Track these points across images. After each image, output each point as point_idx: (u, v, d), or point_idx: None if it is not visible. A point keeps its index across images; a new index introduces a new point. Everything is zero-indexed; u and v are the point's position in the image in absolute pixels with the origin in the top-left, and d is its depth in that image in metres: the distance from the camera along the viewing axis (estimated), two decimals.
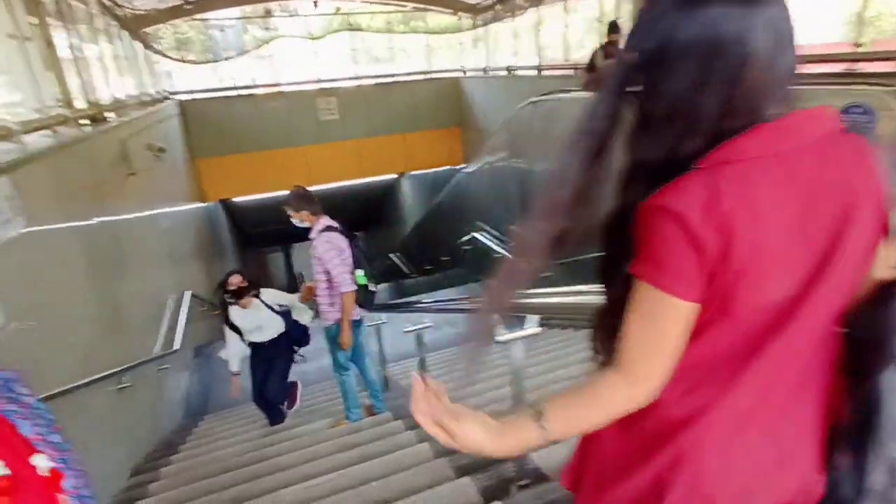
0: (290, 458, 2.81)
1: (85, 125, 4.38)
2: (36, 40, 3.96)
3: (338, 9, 11.34)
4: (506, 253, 7.27)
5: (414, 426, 2.88)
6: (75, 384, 2.50)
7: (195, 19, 10.22)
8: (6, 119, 2.80)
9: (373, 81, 11.98)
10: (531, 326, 1.56)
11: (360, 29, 11.81)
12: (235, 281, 3.35)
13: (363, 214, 18.11)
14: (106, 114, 5.11)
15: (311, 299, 3.35)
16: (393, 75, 12.26)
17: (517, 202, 6.89)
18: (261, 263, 17.95)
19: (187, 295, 5.67)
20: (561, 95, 5.76)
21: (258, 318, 3.44)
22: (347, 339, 3.11)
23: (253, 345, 3.51)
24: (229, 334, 3.44)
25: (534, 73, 9.86)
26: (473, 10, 11.83)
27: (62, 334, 2.70)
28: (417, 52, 12.94)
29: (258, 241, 17.28)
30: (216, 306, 3.62)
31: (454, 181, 9.27)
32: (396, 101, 12.02)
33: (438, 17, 12.69)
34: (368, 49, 13.09)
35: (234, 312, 3.40)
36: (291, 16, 11.40)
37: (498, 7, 10.69)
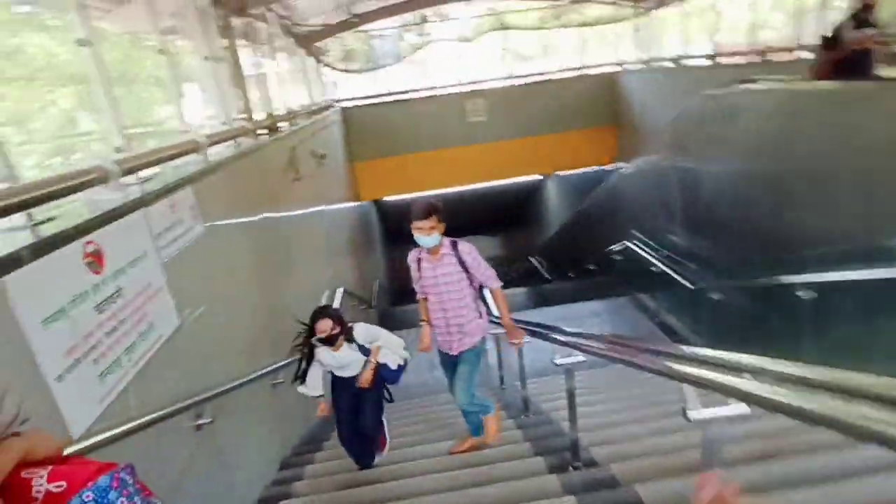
0: (411, 484, 2.70)
1: (261, 135, 4.84)
2: (225, 60, 4.44)
3: (491, 9, 11.28)
4: (663, 266, 6.52)
5: (558, 467, 2.58)
6: (240, 381, 2.68)
7: (360, 31, 10.94)
8: (197, 134, 3.10)
9: (522, 81, 11.73)
10: (736, 405, 1.18)
11: (511, 27, 11.63)
12: (324, 328, 2.82)
13: (503, 215, 18.04)
14: (279, 124, 5.62)
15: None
16: (543, 73, 11.87)
17: (681, 209, 6.11)
18: (404, 258, 18.83)
19: (340, 291, 6.02)
20: (748, 86, 4.90)
21: (349, 358, 3.00)
22: (517, 333, 3.02)
23: (335, 377, 3.10)
24: (312, 370, 3.02)
25: (706, 62, 8.75)
26: None
27: (230, 332, 2.93)
28: (568, 48, 12.36)
29: (402, 238, 18.20)
30: (301, 349, 2.96)
31: (607, 183, 8.61)
32: (546, 101, 11.61)
33: (593, 9, 11.95)
34: (518, 48, 12.86)
35: (322, 353, 2.96)
36: (444, 20, 11.64)
37: None
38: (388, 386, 3.18)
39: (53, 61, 4.55)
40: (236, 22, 5.05)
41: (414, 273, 3.02)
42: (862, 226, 3.56)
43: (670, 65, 9.86)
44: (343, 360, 2.97)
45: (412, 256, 3.01)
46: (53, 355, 1.46)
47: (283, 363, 3.47)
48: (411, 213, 2.79)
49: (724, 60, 8.30)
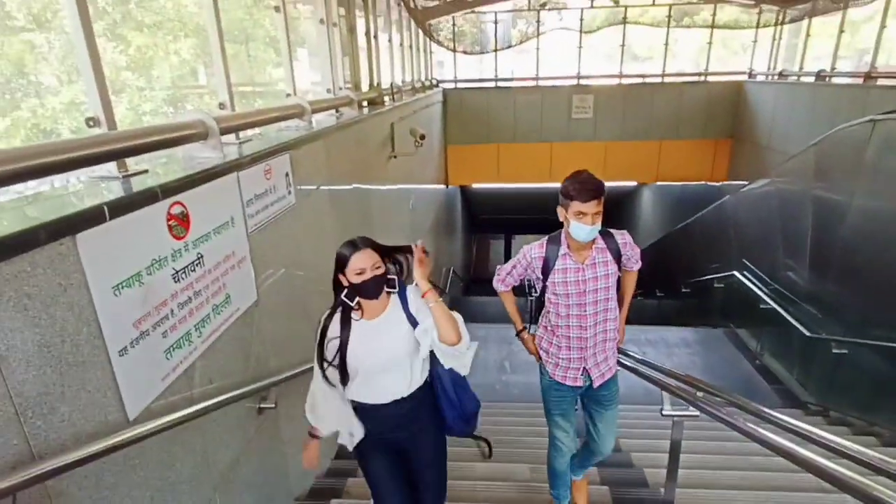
0: None
1: (364, 107, 4.70)
2: (340, 27, 4.32)
3: (616, 2, 10.53)
4: (775, 304, 5.74)
5: None
6: (309, 365, 2.52)
7: (473, 12, 10.63)
8: (303, 99, 2.97)
9: (635, 81, 10.92)
10: None
11: (634, 23, 10.80)
12: (363, 265, 1.67)
13: None
14: (385, 98, 5.47)
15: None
16: (661, 75, 10.96)
17: (811, 245, 5.32)
18: (483, 247, 18.68)
19: None
20: None
21: (389, 340, 1.76)
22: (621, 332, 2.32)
23: (366, 412, 1.84)
24: (317, 375, 1.82)
25: (858, 81, 7.61)
26: (783, 0, 9.71)
27: (306, 310, 2.79)
28: (688, 51, 11.31)
29: (486, 227, 18.00)
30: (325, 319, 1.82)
31: (720, 202, 7.79)
32: (658, 104, 10.74)
33: (726, 11, 10.81)
34: (633, 46, 11.95)
35: (339, 327, 1.76)
36: (562, 9, 11.04)
37: None
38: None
39: (181, 12, 4.68)
40: None
41: (532, 273, 2.21)
42: None
43: (811, 79, 8.71)
44: (380, 347, 1.74)
45: (534, 252, 2.17)
46: (120, 326, 1.32)
47: None
48: (569, 191, 1.98)
49: (883, 82, 7.16)
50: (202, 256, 1.71)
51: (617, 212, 17.19)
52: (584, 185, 1.98)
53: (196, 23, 4.65)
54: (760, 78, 10.46)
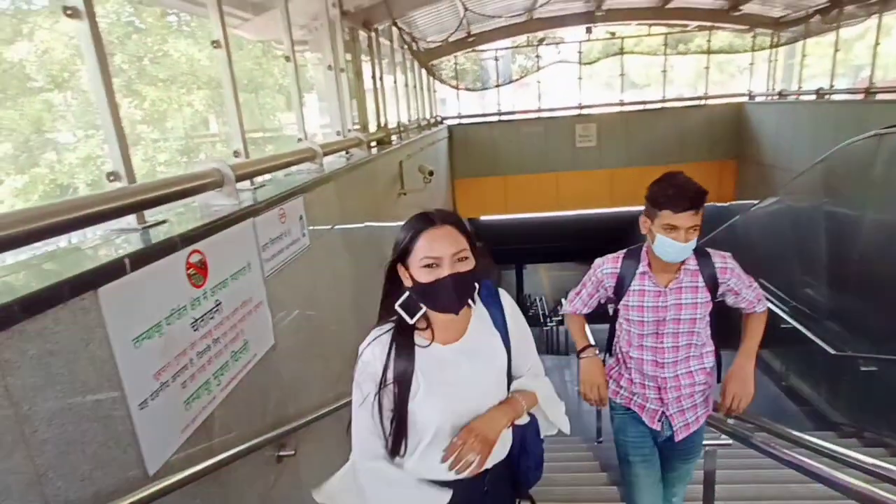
0: None
1: (373, 147, 4.78)
2: (347, 72, 4.44)
3: (613, 34, 10.79)
4: (797, 323, 5.62)
5: None
6: (329, 408, 2.48)
7: (474, 50, 10.92)
8: (313, 143, 3.03)
9: (637, 108, 11.07)
10: None
11: (630, 52, 11.03)
12: (447, 250, 1.13)
13: (600, 244, 17.19)
14: (392, 137, 5.58)
15: None
16: (661, 101, 11.11)
17: (828, 261, 5.24)
18: (495, 278, 18.64)
19: None
20: None
21: (483, 375, 1.24)
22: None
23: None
24: (365, 448, 1.24)
25: (857, 97, 7.66)
26: (776, 24, 9.90)
27: (325, 352, 2.77)
28: (686, 76, 11.50)
29: (496, 257, 18.02)
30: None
31: (731, 223, 7.75)
32: (661, 130, 10.85)
33: (719, 37, 11.03)
34: (631, 74, 12.18)
35: (394, 360, 1.20)
36: (559, 43, 11.32)
37: (815, 19, 8.65)
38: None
39: (193, 66, 4.88)
40: (361, 35, 5.09)
41: (604, 293, 1.87)
42: None
43: (811, 97, 8.79)
44: (472, 377, 1.22)
45: (607, 268, 1.82)
46: (141, 378, 1.31)
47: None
48: (659, 198, 1.61)
49: (882, 97, 7.20)
50: (220, 303, 1.71)
51: (627, 238, 17.17)
52: (679, 191, 1.58)
53: (208, 75, 4.84)
54: (760, 99, 10.57)
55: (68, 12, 1.49)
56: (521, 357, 1.30)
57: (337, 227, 3.13)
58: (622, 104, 11.05)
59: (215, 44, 2.29)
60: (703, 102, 11.09)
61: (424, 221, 1.16)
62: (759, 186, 9.39)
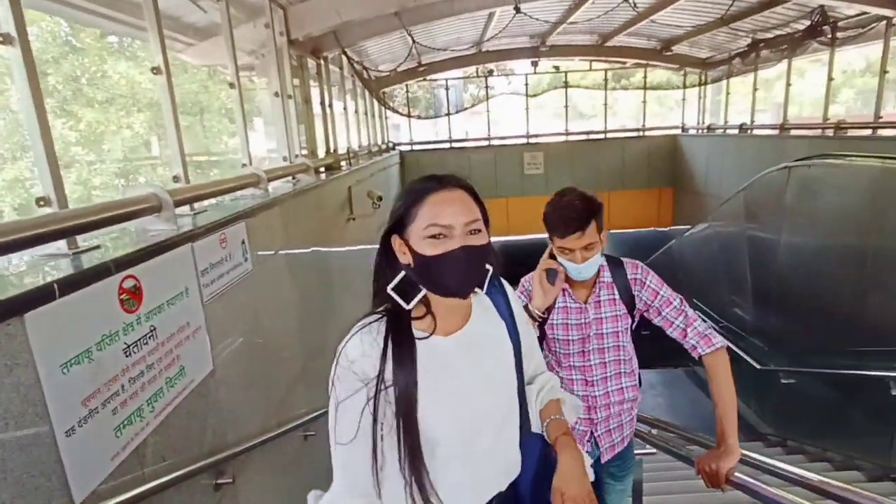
0: None
1: (321, 173, 4.82)
2: (295, 99, 4.49)
3: (556, 68, 11.35)
4: (727, 341, 5.97)
5: None
6: (269, 435, 2.46)
7: (425, 80, 11.21)
8: (258, 168, 3.05)
9: (581, 137, 11.63)
10: None
11: (574, 86, 11.63)
12: (458, 218, 0.93)
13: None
14: (341, 163, 5.63)
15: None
16: (603, 132, 11.73)
17: (751, 281, 5.64)
18: None
19: None
20: (832, 161, 4.55)
21: (493, 371, 1.05)
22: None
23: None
24: (349, 466, 0.92)
25: (774, 132, 8.40)
26: (703, 64, 10.74)
27: (265, 378, 2.74)
28: (629, 108, 12.25)
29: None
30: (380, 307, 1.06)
31: (668, 247, 8.19)
32: (604, 159, 11.43)
33: (658, 73, 11.85)
34: (579, 105, 12.87)
35: (391, 357, 0.94)
36: (509, 75, 11.80)
37: (736, 61, 9.46)
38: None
39: (134, 88, 4.81)
40: (310, 62, 5.17)
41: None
42: None
43: (735, 132, 9.56)
44: (484, 373, 1.03)
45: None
46: (69, 404, 1.29)
47: (318, 413, 3.24)
48: (547, 223, 1.61)
49: (794, 132, 7.94)
50: (155, 329, 1.70)
51: None
52: (562, 216, 1.56)
53: (150, 98, 4.78)
54: (692, 131, 11.35)
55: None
56: (528, 350, 1.10)
57: (282, 252, 3.13)
58: (567, 134, 11.58)
59: (155, 70, 2.30)
60: (641, 134, 11.78)
61: (431, 182, 0.94)
62: (694, 213, 10.02)
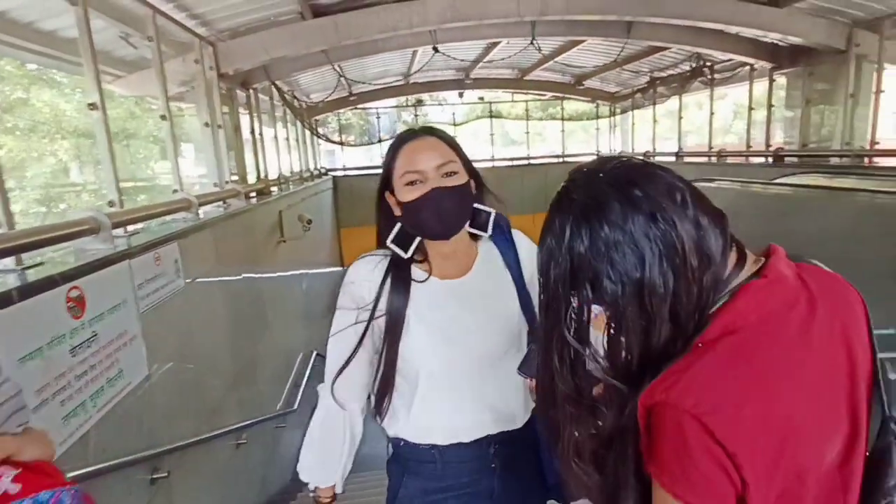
0: None
1: (252, 197, 5.03)
2: (225, 126, 4.72)
3: (481, 98, 12.11)
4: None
5: None
6: (200, 437, 2.66)
7: (357, 108, 11.60)
8: (189, 194, 3.28)
9: (507, 164, 12.40)
10: None
11: (500, 116, 12.45)
12: (430, 163, 1.01)
13: None
14: (272, 188, 5.85)
15: None
16: (527, 158, 12.58)
17: None
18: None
19: (314, 354, 6.00)
20: (702, 184, 5.34)
21: (491, 312, 1.09)
22: None
23: (421, 463, 1.12)
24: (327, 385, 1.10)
25: (672, 159, 9.47)
26: (612, 98, 11.88)
27: (198, 387, 2.94)
28: (554, 136, 13.23)
29: None
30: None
31: None
32: (529, 183, 12.21)
33: (575, 105, 12.93)
34: (507, 133, 13.76)
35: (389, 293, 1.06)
36: (440, 104, 12.45)
37: (637, 95, 10.59)
38: None
39: (58, 116, 4.84)
40: (240, 93, 5.42)
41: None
42: None
43: (640, 159, 10.64)
44: (476, 312, 1.08)
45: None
46: (25, 391, 1.52)
47: (248, 422, 3.43)
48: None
49: (687, 159, 9.03)
50: (97, 334, 1.93)
51: None
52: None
53: (74, 126, 4.83)
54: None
55: None
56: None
57: (213, 270, 3.36)
58: (493, 160, 12.32)
59: (91, 106, 2.54)
60: (562, 160, 12.74)
61: (405, 134, 1.04)
62: None
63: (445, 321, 1.06)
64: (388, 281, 1.06)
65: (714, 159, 8.16)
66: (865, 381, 0.62)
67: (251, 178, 5.46)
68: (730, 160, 8.10)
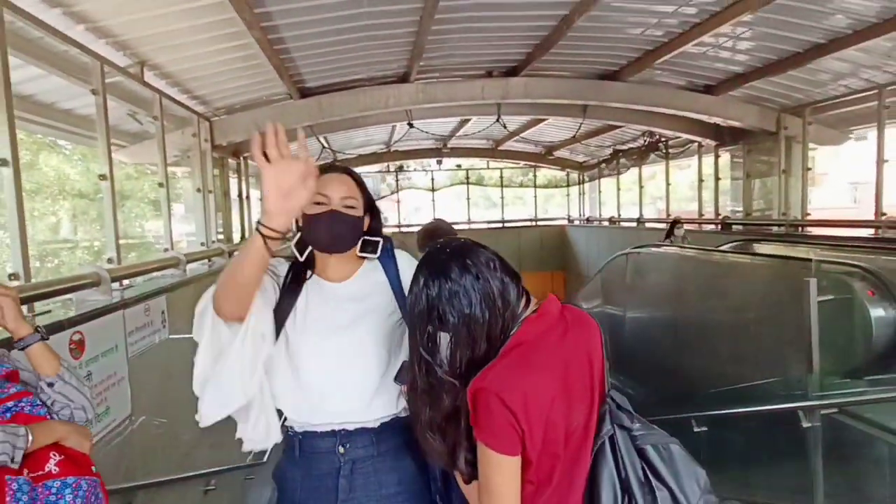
0: None
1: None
2: (215, 190, 5.17)
3: (458, 165, 12.90)
4: None
5: None
6: (171, 477, 2.89)
7: None
8: (179, 252, 3.66)
9: (484, 226, 13.04)
10: None
11: (477, 183, 13.25)
12: (335, 192, 1.23)
13: None
14: None
15: None
16: (503, 221, 13.25)
17: (607, 348, 6.72)
18: None
19: None
20: (652, 249, 5.88)
21: (362, 308, 1.28)
22: None
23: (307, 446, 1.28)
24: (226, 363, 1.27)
25: (634, 224, 10.13)
26: (581, 167, 12.74)
27: (173, 430, 3.19)
28: (529, 200, 13.99)
29: None
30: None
31: None
32: (505, 244, 12.73)
33: (548, 173, 13.80)
34: (489, 196, 14.54)
35: (313, 287, 1.29)
36: (424, 169, 13.22)
37: (602, 166, 11.44)
38: None
39: (62, 179, 5.25)
40: (231, 161, 5.92)
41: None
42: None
43: (607, 223, 11.32)
44: (348, 306, 1.27)
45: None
46: None
47: (217, 469, 3.62)
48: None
49: (648, 225, 9.70)
50: (91, 374, 2.24)
51: None
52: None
53: (78, 189, 5.25)
54: (576, 222, 13.13)
55: None
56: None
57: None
58: (470, 222, 12.96)
59: (102, 177, 2.96)
60: (535, 223, 13.43)
61: (327, 167, 1.28)
62: (578, 293, 11.42)
63: (324, 319, 1.25)
64: (290, 276, 1.27)
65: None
66: (598, 376, 1.03)
67: (236, 238, 5.85)
68: (686, 227, 8.74)
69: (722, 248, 5.61)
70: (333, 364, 1.23)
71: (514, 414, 0.92)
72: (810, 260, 3.29)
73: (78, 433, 1.18)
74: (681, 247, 5.35)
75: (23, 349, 1.20)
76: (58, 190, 4.85)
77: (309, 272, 1.27)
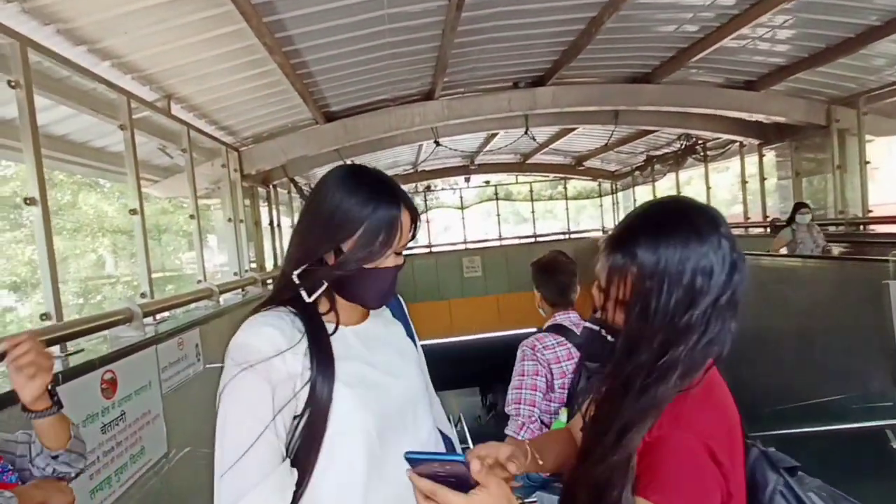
0: None
1: (268, 283, 5.38)
2: (246, 219, 5.17)
3: (487, 182, 12.78)
4: None
5: None
6: None
7: None
8: (212, 283, 3.61)
9: (515, 242, 12.81)
10: None
11: (507, 198, 13.07)
12: (408, 238, 0.98)
13: (493, 368, 17.93)
14: None
15: None
16: (534, 236, 12.99)
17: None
18: None
19: None
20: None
21: (400, 354, 1.05)
22: None
23: None
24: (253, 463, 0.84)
25: None
26: (613, 176, 12.43)
27: (209, 469, 3.08)
28: (559, 213, 13.72)
29: None
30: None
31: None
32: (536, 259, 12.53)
33: (577, 184, 13.51)
34: (518, 211, 14.32)
35: (306, 354, 0.91)
36: (452, 188, 13.17)
37: (636, 174, 11.10)
38: None
39: (101, 216, 5.36)
40: (261, 189, 5.95)
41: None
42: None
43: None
44: (392, 356, 1.03)
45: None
46: None
47: None
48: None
49: None
50: (124, 413, 2.15)
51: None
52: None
53: (116, 225, 5.35)
54: (610, 233, 12.79)
55: (27, 201, 2.11)
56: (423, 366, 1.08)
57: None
58: (501, 239, 12.75)
59: (133, 212, 2.93)
60: (568, 237, 13.12)
61: (400, 202, 0.93)
62: None
63: (368, 373, 0.93)
64: (308, 338, 0.89)
65: None
66: None
67: (269, 266, 5.84)
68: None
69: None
70: (400, 421, 0.97)
71: (722, 470, 0.68)
72: (887, 260, 2.97)
73: (60, 491, 1.07)
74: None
75: (34, 419, 1.06)
76: (97, 227, 4.91)
77: (329, 325, 0.94)
